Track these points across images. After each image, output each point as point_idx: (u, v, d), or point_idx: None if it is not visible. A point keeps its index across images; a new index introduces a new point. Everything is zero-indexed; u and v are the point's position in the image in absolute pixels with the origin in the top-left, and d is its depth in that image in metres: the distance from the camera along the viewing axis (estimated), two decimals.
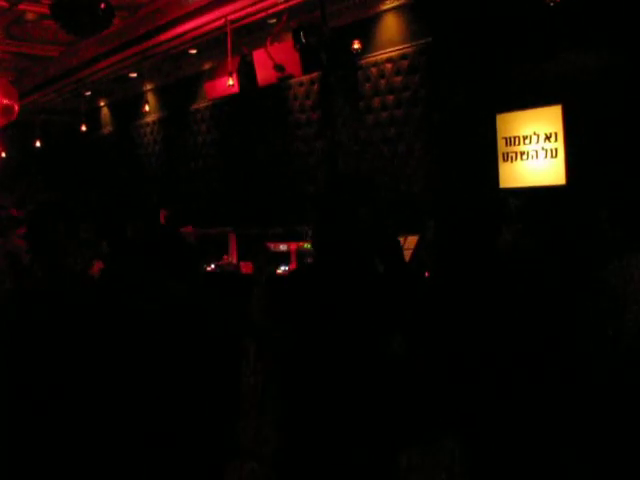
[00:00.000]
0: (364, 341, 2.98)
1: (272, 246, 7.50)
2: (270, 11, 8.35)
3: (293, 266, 6.73)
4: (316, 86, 9.44)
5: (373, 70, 8.59)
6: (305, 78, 9.41)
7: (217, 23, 8.64)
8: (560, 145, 6.86)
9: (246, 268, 7.57)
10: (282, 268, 7.06)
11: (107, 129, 14.41)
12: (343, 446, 2.92)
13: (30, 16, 8.98)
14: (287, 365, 3.11)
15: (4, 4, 8.28)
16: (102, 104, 14.31)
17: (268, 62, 8.73)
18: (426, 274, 6.28)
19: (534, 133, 7.04)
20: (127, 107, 13.30)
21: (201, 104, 11.52)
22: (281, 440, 3.13)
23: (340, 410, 2.94)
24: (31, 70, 11.65)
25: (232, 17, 8.43)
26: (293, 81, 9.57)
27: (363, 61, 8.66)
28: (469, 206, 6.11)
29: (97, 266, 6.03)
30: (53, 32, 9.57)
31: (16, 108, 9.80)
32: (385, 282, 3.05)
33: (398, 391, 3.22)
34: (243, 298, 6.55)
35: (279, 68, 8.59)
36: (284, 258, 7.54)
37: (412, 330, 3.39)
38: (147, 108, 11.76)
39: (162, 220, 9.13)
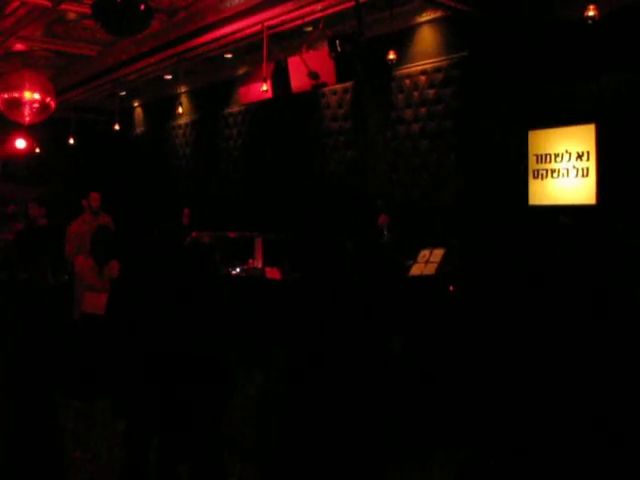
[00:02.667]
0: (361, 345, 3.06)
1: None
2: (307, 19, 8.39)
3: None
4: (349, 95, 9.46)
5: (407, 81, 8.60)
6: (339, 87, 9.44)
7: (254, 29, 8.69)
8: (592, 164, 6.81)
9: (271, 273, 7.58)
10: None
11: (140, 129, 14.56)
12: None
13: (71, 15, 9.11)
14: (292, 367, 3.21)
15: (47, 4, 8.40)
16: (136, 104, 14.47)
17: (303, 69, 8.76)
18: (451, 288, 6.28)
19: (566, 151, 7.00)
20: (161, 108, 13.44)
21: (234, 108, 11.60)
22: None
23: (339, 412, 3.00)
24: (69, 68, 11.81)
25: (269, 23, 8.48)
26: (327, 89, 9.61)
27: (397, 72, 8.68)
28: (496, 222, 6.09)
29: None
30: (92, 32, 9.71)
31: (53, 105, 9.94)
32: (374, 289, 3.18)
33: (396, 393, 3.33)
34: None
35: (313, 75, 8.63)
36: None
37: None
38: (180, 110, 11.85)
39: (185, 219, 9.18)
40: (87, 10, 7.38)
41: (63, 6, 8.56)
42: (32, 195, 11.52)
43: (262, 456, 3.64)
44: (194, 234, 8.34)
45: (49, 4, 8.41)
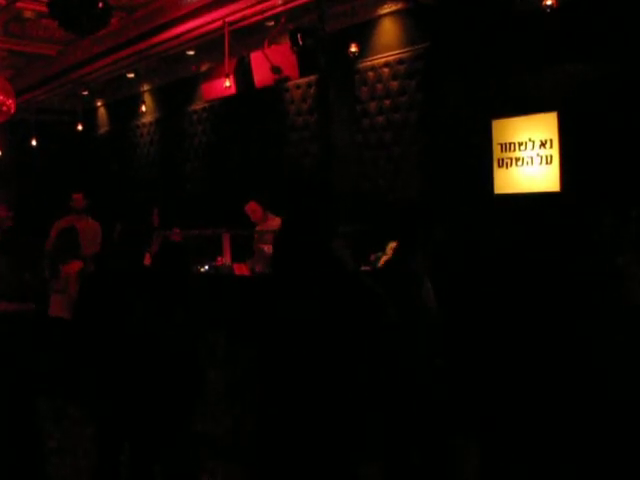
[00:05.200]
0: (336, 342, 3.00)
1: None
2: (268, 13, 8.35)
3: None
4: (313, 89, 9.44)
5: (370, 74, 8.60)
6: (302, 81, 9.41)
7: (215, 25, 8.64)
8: (555, 152, 6.87)
9: (239, 269, 7.55)
10: None
11: (104, 129, 14.39)
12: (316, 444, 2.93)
13: (28, 14, 8.97)
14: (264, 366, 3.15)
15: (1, 2, 8.26)
16: (99, 104, 14.30)
17: (265, 64, 8.74)
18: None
19: (529, 139, 7.05)
20: (124, 107, 13.28)
21: (198, 105, 11.52)
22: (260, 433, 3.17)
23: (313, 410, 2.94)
24: (28, 68, 11.64)
25: (230, 19, 8.43)
26: (290, 83, 9.57)
27: (360, 65, 8.67)
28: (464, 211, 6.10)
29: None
30: (51, 31, 9.58)
31: (12, 106, 9.79)
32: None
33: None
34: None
35: (276, 70, 8.60)
36: None
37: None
38: (144, 109, 11.74)
39: (155, 218, 9.16)
40: (44, 8, 7.27)
41: (19, 4, 8.42)
42: None
43: (239, 454, 3.61)
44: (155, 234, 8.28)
45: (3, 2, 8.27)
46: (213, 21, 8.58)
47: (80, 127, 12.52)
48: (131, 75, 11.78)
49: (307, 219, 3.17)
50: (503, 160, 7.30)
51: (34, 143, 13.01)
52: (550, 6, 6.19)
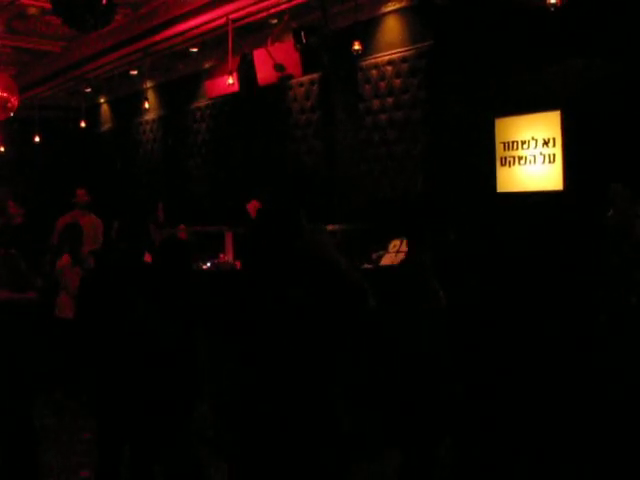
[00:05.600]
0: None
1: None
2: (272, 11, 8.36)
3: None
4: (316, 87, 9.43)
5: (373, 72, 8.59)
6: (305, 78, 9.41)
7: (218, 22, 8.66)
8: (558, 150, 6.86)
9: None
10: None
11: (107, 126, 14.40)
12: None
13: (32, 11, 8.99)
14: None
15: None
16: (102, 101, 14.31)
17: (268, 62, 8.74)
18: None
19: (532, 138, 7.05)
20: (127, 104, 13.29)
21: (201, 102, 11.52)
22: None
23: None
24: (32, 65, 11.65)
25: (233, 16, 8.44)
26: (293, 81, 9.57)
27: (363, 63, 8.66)
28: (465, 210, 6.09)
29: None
30: (55, 27, 9.59)
31: (16, 103, 9.81)
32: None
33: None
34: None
35: (279, 68, 8.60)
36: None
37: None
38: (147, 106, 11.74)
39: (160, 213, 9.19)
40: (48, 5, 7.28)
41: (23, 1, 8.44)
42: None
43: (233, 452, 3.59)
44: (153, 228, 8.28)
45: None
46: (216, 18, 8.60)
47: (83, 124, 12.53)
48: (134, 72, 11.79)
49: (277, 211, 3.16)
50: (506, 158, 7.29)
51: (37, 140, 13.02)
52: (554, 4, 6.17)
